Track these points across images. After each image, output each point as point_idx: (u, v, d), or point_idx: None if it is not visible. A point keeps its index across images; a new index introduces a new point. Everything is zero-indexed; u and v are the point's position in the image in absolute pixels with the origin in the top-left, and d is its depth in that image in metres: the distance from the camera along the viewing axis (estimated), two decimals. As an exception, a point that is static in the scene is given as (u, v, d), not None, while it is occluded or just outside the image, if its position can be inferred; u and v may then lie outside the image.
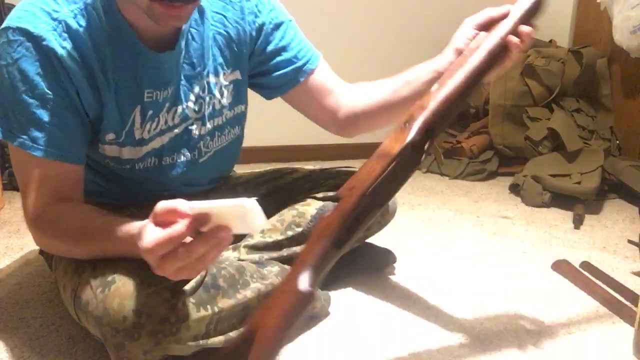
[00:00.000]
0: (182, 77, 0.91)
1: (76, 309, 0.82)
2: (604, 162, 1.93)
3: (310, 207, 1.06)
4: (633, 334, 0.96)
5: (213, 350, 0.85)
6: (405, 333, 1.00)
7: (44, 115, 0.79)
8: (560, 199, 1.87)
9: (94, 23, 0.81)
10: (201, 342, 0.79)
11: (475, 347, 0.96)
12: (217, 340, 0.82)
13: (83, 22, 0.80)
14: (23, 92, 0.78)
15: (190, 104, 0.94)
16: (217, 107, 0.98)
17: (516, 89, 2.27)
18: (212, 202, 0.65)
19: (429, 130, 0.69)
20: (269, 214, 1.08)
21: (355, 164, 0.98)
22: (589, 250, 1.46)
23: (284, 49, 1.02)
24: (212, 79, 0.96)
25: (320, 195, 1.08)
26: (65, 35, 0.79)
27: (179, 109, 0.93)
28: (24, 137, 0.79)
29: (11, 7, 1.87)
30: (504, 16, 0.82)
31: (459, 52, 0.85)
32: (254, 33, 1.00)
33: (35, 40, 0.77)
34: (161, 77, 0.88)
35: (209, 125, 0.98)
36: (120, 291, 0.74)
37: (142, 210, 0.95)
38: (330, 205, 1.06)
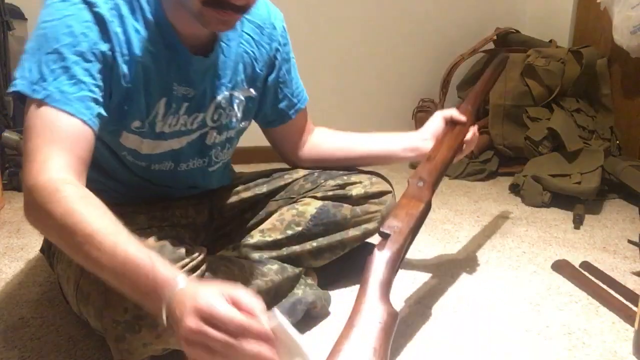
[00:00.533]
0: (207, 85, 0.93)
1: (78, 301, 0.82)
2: (604, 162, 1.93)
3: (310, 207, 1.06)
4: (633, 334, 0.96)
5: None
6: (404, 332, 1.00)
7: (80, 72, 0.76)
8: (560, 199, 1.87)
9: (137, 11, 0.82)
10: None
11: (475, 347, 0.96)
12: None
13: (129, 6, 0.82)
14: (65, 45, 0.75)
15: (210, 113, 0.95)
16: (233, 120, 1.00)
17: (516, 89, 2.27)
18: (292, 330, 0.57)
19: (435, 187, 1.00)
20: (269, 213, 1.09)
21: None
22: (589, 250, 1.46)
23: (285, 83, 1.07)
24: (233, 92, 0.98)
25: (320, 195, 1.08)
26: (114, 12, 0.80)
27: (200, 115, 0.94)
28: (52, 89, 0.73)
29: (11, 7, 1.87)
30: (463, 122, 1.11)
31: (430, 137, 1.11)
32: (272, 60, 1.04)
33: (88, 4, 0.77)
34: (189, 77, 0.90)
35: (222, 136, 1.00)
36: None
37: (138, 211, 0.96)
38: (330, 205, 1.06)
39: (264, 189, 1.12)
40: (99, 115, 0.77)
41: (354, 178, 1.10)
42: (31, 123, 0.73)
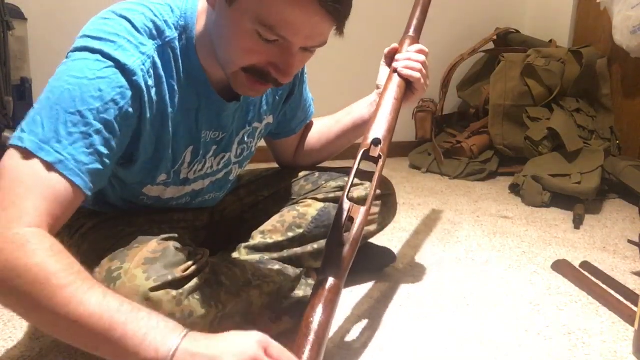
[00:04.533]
0: (235, 126, 0.92)
1: None
2: (604, 162, 1.94)
3: (310, 208, 1.06)
4: (633, 334, 0.96)
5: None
6: (404, 332, 1.00)
7: (99, 142, 0.68)
8: (560, 199, 1.87)
9: (170, 63, 0.77)
10: None
11: (475, 347, 0.96)
12: None
13: (162, 61, 0.75)
14: (92, 109, 0.67)
15: (234, 149, 0.95)
16: (253, 149, 1.01)
17: (516, 89, 2.27)
18: None
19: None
20: (269, 215, 1.09)
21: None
22: (589, 250, 1.46)
23: (298, 101, 1.07)
24: (256, 124, 0.97)
25: (321, 196, 1.08)
26: (152, 72, 0.74)
27: (227, 155, 0.94)
28: (67, 155, 0.65)
29: (11, 7, 1.87)
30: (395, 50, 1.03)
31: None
32: (294, 83, 1.02)
33: (124, 71, 0.70)
34: (220, 122, 0.88)
35: (243, 167, 1.02)
36: (125, 286, 0.74)
37: (137, 213, 0.95)
38: (331, 206, 1.06)
39: (264, 190, 1.12)
40: (99, 184, 0.71)
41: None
42: (17, 173, 0.64)
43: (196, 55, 0.79)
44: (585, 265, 1.32)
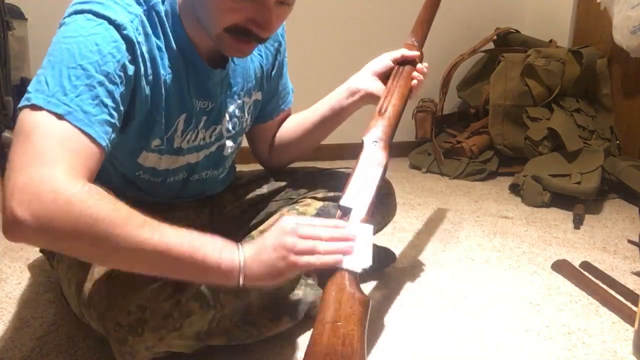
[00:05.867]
0: (223, 97, 0.93)
1: (80, 304, 0.82)
2: (604, 162, 1.94)
3: (310, 208, 1.06)
4: (633, 334, 0.96)
5: (214, 348, 0.85)
6: (404, 332, 1.00)
7: (103, 94, 0.70)
8: (560, 199, 1.87)
9: (157, 26, 0.80)
10: (202, 338, 0.79)
11: (475, 347, 0.96)
12: (218, 338, 0.82)
13: (150, 22, 0.79)
14: (92, 62, 0.69)
15: (225, 123, 0.95)
16: (244, 125, 1.01)
17: (516, 89, 2.27)
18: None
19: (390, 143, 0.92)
20: (269, 214, 1.09)
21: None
22: (589, 250, 1.46)
23: (277, 82, 1.06)
24: (245, 99, 0.98)
25: (320, 195, 1.08)
26: (140, 30, 0.77)
27: (218, 127, 0.94)
28: (75, 106, 0.67)
29: (11, 7, 1.87)
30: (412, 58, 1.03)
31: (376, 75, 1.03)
32: (275, 58, 1.03)
33: (116, 26, 0.73)
34: (209, 91, 0.89)
35: (236, 144, 1.01)
36: (124, 286, 0.75)
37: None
38: (330, 205, 1.06)
39: (264, 189, 1.12)
40: (113, 140, 0.72)
41: None
42: (38, 132, 0.64)
43: (180, 22, 0.82)
44: (585, 265, 1.32)
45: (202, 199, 1.07)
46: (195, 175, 0.98)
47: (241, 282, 0.69)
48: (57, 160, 0.63)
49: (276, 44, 1.02)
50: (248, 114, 1.01)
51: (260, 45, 0.97)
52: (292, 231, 0.71)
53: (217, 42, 0.79)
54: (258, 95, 1.02)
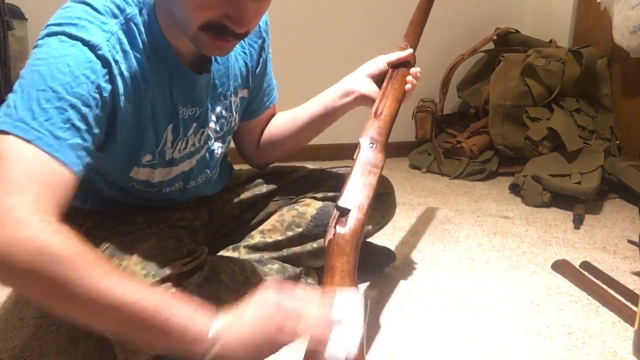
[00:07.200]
0: (209, 99, 0.91)
1: None
2: (604, 162, 1.94)
3: (310, 208, 1.06)
4: (633, 334, 0.96)
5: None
6: (404, 332, 1.00)
7: (75, 117, 0.67)
8: (560, 199, 1.87)
9: (136, 38, 0.77)
10: None
11: (475, 347, 0.96)
12: None
13: (128, 37, 0.76)
14: (63, 84, 0.66)
15: (212, 125, 0.94)
16: (233, 125, 1.00)
17: (516, 89, 2.27)
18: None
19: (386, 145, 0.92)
20: (269, 214, 1.09)
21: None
22: (589, 250, 1.46)
23: (262, 78, 1.05)
24: (232, 98, 0.96)
25: (320, 195, 1.08)
26: (118, 48, 0.74)
27: (205, 130, 0.93)
28: (44, 132, 0.63)
29: (11, 7, 1.87)
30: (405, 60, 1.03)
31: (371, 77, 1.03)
32: (259, 55, 1.02)
33: (90, 46, 0.70)
34: (194, 96, 0.87)
35: (225, 143, 1.00)
36: None
37: (136, 213, 0.95)
38: (330, 205, 1.06)
39: (263, 189, 1.12)
40: (87, 165, 0.68)
41: None
42: (6, 157, 0.61)
43: (159, 29, 0.79)
44: (585, 265, 1.32)
45: (201, 199, 1.07)
46: (191, 182, 0.97)
47: (210, 355, 0.59)
48: (25, 189, 0.59)
49: (260, 41, 1.00)
50: (236, 113, 0.99)
51: (243, 43, 0.96)
52: (277, 306, 0.63)
53: (194, 42, 0.76)
54: (244, 93, 1.00)
